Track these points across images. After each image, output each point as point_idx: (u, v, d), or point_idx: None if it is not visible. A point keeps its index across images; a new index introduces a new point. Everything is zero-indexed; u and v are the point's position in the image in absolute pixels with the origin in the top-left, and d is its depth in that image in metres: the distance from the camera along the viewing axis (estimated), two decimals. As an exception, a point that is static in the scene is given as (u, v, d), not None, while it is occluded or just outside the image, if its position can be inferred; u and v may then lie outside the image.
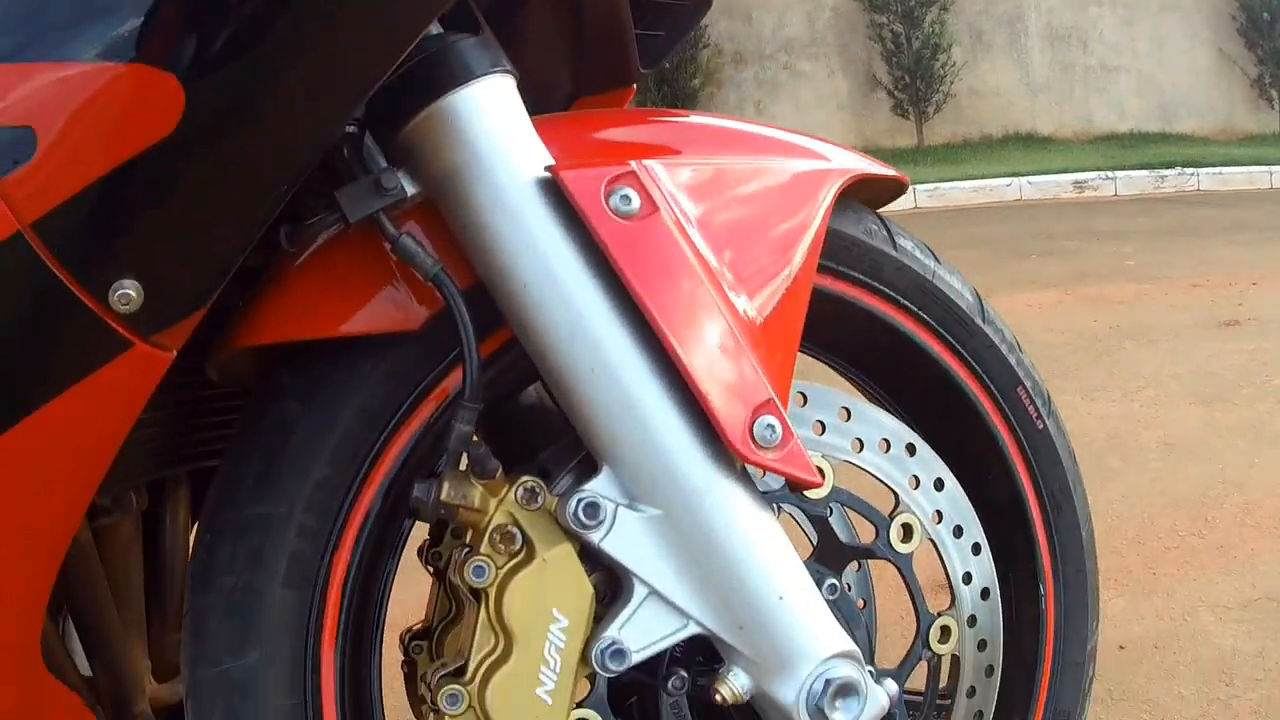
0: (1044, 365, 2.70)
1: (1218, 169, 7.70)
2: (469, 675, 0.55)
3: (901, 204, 6.77)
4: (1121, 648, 1.39)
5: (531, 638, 0.54)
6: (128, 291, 0.45)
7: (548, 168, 0.53)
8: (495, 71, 0.54)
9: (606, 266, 0.53)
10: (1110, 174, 7.47)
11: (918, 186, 6.95)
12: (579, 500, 0.54)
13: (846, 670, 0.58)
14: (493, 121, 0.53)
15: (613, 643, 0.55)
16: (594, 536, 0.54)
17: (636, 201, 0.53)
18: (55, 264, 0.43)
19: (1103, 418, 2.41)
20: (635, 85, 0.79)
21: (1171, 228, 5.36)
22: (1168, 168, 7.65)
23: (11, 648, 0.51)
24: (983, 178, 7.26)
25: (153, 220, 0.45)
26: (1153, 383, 2.68)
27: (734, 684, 0.57)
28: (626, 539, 0.54)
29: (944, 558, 0.69)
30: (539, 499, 0.56)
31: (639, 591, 0.55)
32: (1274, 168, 7.82)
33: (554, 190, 0.52)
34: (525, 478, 0.56)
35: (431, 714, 0.57)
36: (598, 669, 0.55)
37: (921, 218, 6.46)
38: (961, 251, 4.90)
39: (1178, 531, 1.75)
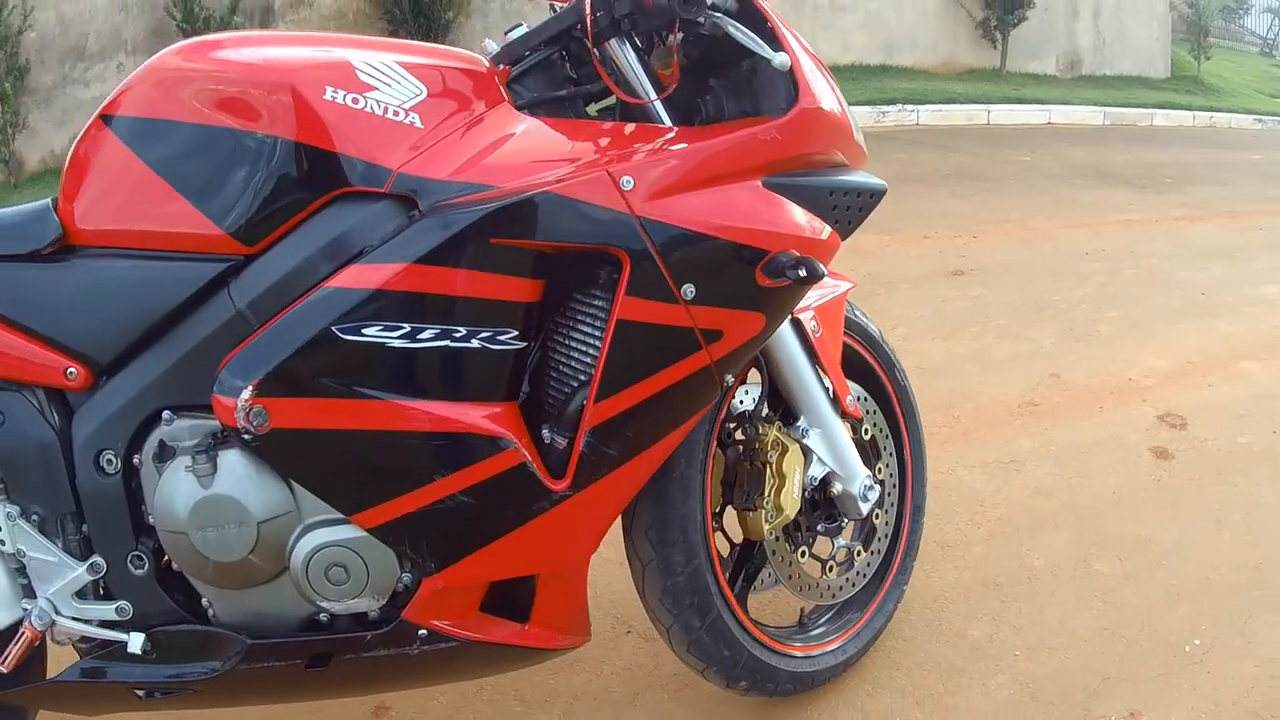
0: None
1: (937, 106, 9.85)
2: (766, 492, 1.71)
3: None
4: (919, 488, 2.72)
5: (789, 477, 1.72)
6: (729, 378, 1.50)
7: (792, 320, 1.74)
8: None
9: (812, 348, 1.76)
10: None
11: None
12: (799, 429, 1.77)
13: (870, 481, 1.85)
14: None
15: (811, 475, 1.78)
16: (804, 440, 1.78)
17: (818, 324, 1.77)
18: (717, 374, 1.47)
19: (878, 348, 3.84)
20: None
21: (900, 175, 7.13)
22: (889, 104, 9.67)
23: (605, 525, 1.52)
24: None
25: (737, 364, 1.51)
26: (903, 322, 4.18)
27: (836, 487, 1.82)
28: (813, 440, 1.79)
29: (879, 437, 2.00)
30: (785, 429, 1.75)
31: (814, 458, 1.79)
32: (991, 106, 10.16)
33: (797, 323, 1.75)
34: (778, 422, 1.76)
35: (747, 512, 1.73)
36: (807, 485, 1.78)
37: None
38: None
39: (936, 424, 3.16)
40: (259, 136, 1.30)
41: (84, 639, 1.40)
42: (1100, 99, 11.34)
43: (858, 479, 1.83)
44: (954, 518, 2.62)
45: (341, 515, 1.36)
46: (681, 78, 1.55)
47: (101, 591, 1.40)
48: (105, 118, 1.34)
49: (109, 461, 1.35)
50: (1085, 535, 2.57)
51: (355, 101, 1.32)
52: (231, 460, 1.33)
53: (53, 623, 1.36)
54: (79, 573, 1.37)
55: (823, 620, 1.96)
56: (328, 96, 1.31)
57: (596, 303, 1.41)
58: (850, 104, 6.32)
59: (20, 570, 1.39)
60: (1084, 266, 5.08)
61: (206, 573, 1.38)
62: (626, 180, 1.34)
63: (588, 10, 1.43)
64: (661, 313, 1.39)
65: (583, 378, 1.41)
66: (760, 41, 1.42)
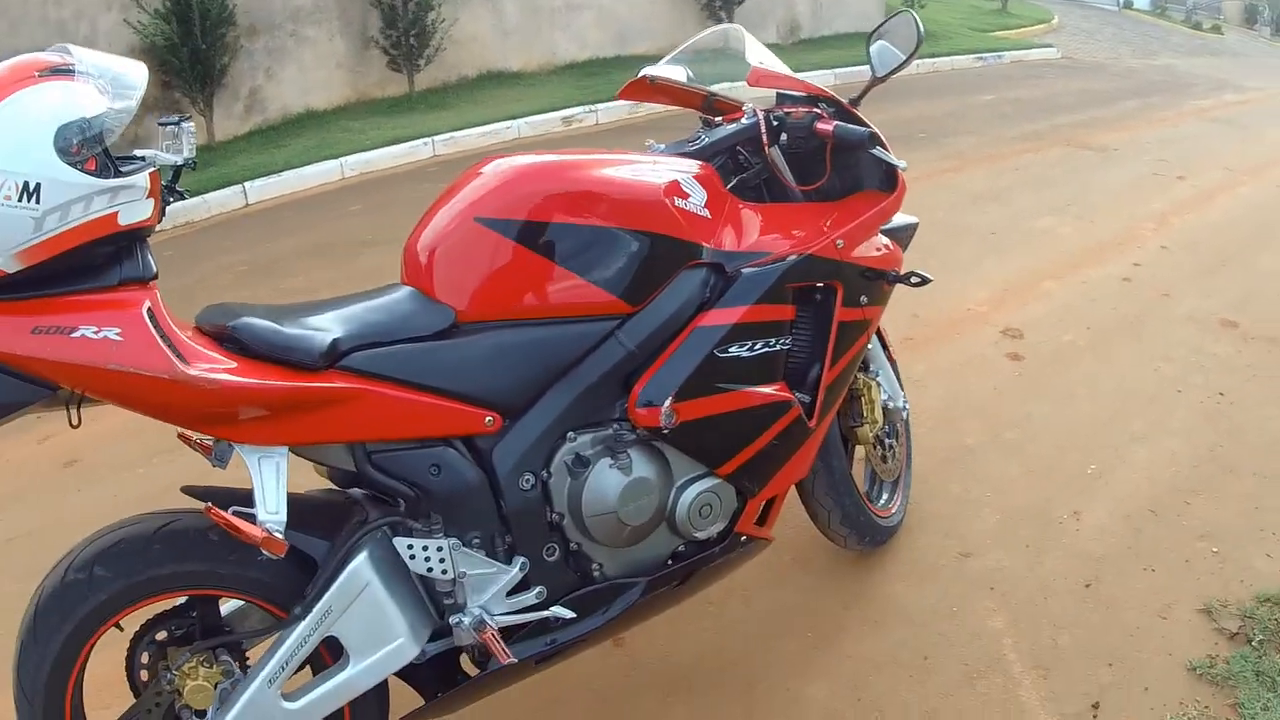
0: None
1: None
2: (866, 414, 2.92)
3: (420, 154, 9.11)
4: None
5: (875, 403, 2.94)
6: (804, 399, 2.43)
7: None
8: None
9: None
10: (593, 107, 10.67)
11: (436, 138, 9.40)
12: (873, 372, 3.01)
13: (904, 397, 3.18)
14: None
15: (883, 399, 3.03)
16: (877, 379, 3.02)
17: None
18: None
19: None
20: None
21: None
22: (641, 97, 11.14)
23: None
24: (485, 123, 9.92)
25: None
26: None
27: (890, 404, 3.09)
28: (881, 378, 3.04)
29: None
30: (867, 375, 2.98)
31: (882, 389, 3.03)
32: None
33: None
34: (863, 371, 2.98)
35: (855, 428, 2.93)
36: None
37: (447, 166, 8.84)
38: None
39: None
40: (643, 233, 2.10)
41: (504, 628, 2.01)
42: (826, 61, 13.24)
43: (899, 396, 3.06)
44: (899, 426, 3.96)
45: (706, 469, 2.23)
46: (804, 162, 2.58)
47: (520, 585, 2.02)
48: (484, 220, 2.00)
49: (527, 481, 2.02)
50: (989, 418, 4.00)
51: (689, 205, 2.20)
52: (637, 452, 2.12)
53: (489, 624, 1.97)
54: (511, 574, 2.00)
55: (883, 491, 3.19)
56: (679, 204, 2.17)
57: (811, 312, 2.42)
58: (600, 101, 8.20)
59: (426, 598, 1.99)
60: (891, 225, 6.61)
61: (619, 539, 2.12)
62: (840, 243, 2.41)
63: (763, 129, 2.50)
64: (855, 314, 2.49)
65: (813, 358, 2.41)
66: (891, 155, 2.49)
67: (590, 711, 2.54)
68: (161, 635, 1.94)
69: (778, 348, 2.29)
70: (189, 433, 1.98)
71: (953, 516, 3.35)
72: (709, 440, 2.23)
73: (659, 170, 2.25)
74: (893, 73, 2.66)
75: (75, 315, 1.61)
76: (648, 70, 2.70)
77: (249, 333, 1.79)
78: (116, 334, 1.61)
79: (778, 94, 2.70)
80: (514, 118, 10.10)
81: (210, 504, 1.74)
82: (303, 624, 1.85)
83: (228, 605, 2.04)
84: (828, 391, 2.46)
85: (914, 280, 2.62)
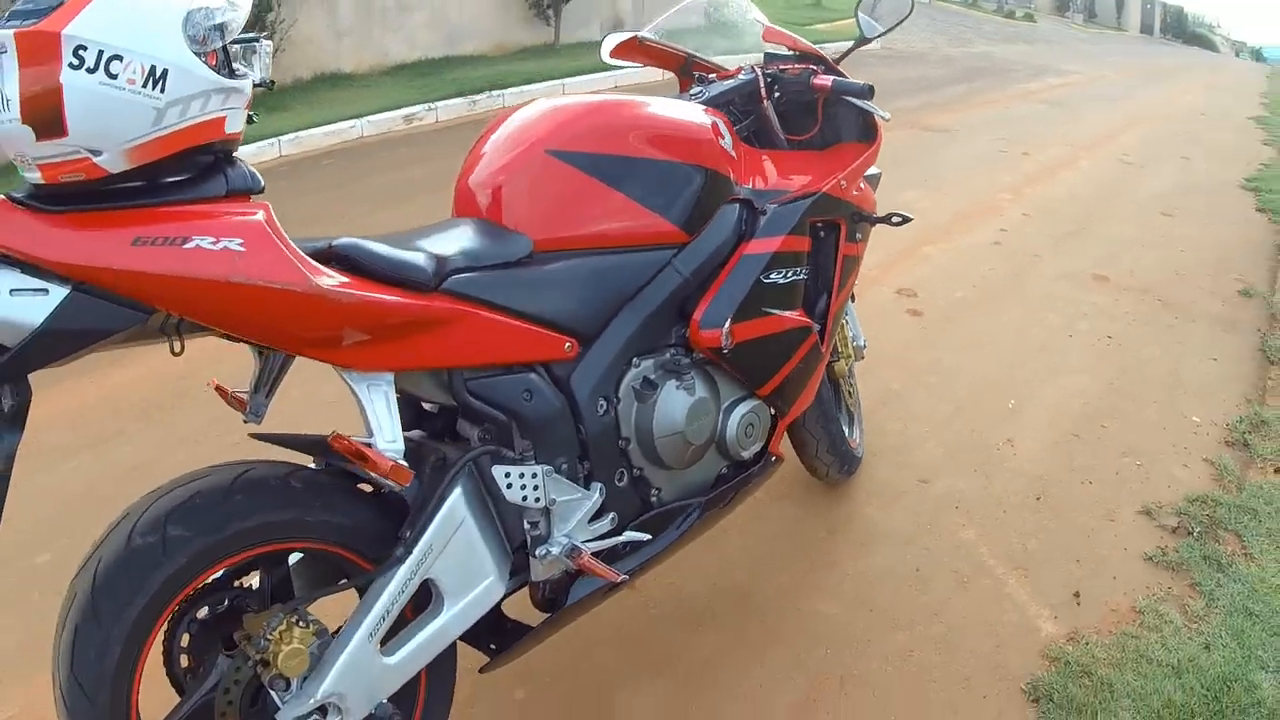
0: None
1: (519, 88, 11.54)
2: (840, 349, 3.19)
3: (266, 155, 9.04)
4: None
5: (848, 339, 3.26)
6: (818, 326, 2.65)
7: None
8: None
9: None
10: (432, 105, 10.74)
11: (281, 138, 9.31)
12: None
13: (863, 337, 3.40)
14: None
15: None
16: (845, 319, 3.28)
17: None
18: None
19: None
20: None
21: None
22: (477, 93, 11.23)
23: None
24: (327, 123, 9.87)
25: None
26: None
27: (855, 342, 3.33)
28: (849, 319, 3.31)
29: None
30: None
31: (850, 329, 3.30)
32: (565, 80, 12.03)
33: None
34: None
35: (833, 363, 3.16)
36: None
37: (294, 165, 8.79)
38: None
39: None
40: (699, 168, 2.24)
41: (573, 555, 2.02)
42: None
43: (861, 337, 3.33)
44: (826, 378, 4.22)
45: (747, 391, 2.40)
46: (790, 116, 2.82)
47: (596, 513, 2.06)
48: (556, 153, 2.08)
49: (601, 406, 2.08)
50: (906, 366, 4.32)
51: (726, 144, 2.36)
52: (697, 374, 2.25)
53: (582, 549, 2.01)
54: (593, 499, 2.04)
55: (843, 423, 3.42)
56: (721, 142, 2.33)
57: (816, 247, 2.59)
58: (441, 98, 8.46)
59: (503, 532, 1.95)
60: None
61: (682, 460, 2.24)
62: (843, 183, 2.64)
63: (761, 85, 2.70)
64: (853, 249, 2.76)
65: (819, 289, 2.67)
66: (875, 106, 2.75)
67: (627, 652, 2.65)
68: (202, 613, 1.78)
69: (802, 276, 2.48)
70: (225, 385, 1.97)
71: (902, 449, 3.63)
72: (754, 361, 2.39)
73: (699, 113, 2.40)
74: (878, 37, 2.92)
75: (186, 224, 1.47)
76: (638, 32, 2.88)
77: (360, 251, 1.73)
78: (239, 245, 1.49)
79: (765, 54, 2.91)
80: (357, 117, 10.07)
81: (335, 432, 1.72)
82: (403, 567, 1.79)
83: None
84: (834, 320, 2.70)
85: (895, 220, 2.86)
